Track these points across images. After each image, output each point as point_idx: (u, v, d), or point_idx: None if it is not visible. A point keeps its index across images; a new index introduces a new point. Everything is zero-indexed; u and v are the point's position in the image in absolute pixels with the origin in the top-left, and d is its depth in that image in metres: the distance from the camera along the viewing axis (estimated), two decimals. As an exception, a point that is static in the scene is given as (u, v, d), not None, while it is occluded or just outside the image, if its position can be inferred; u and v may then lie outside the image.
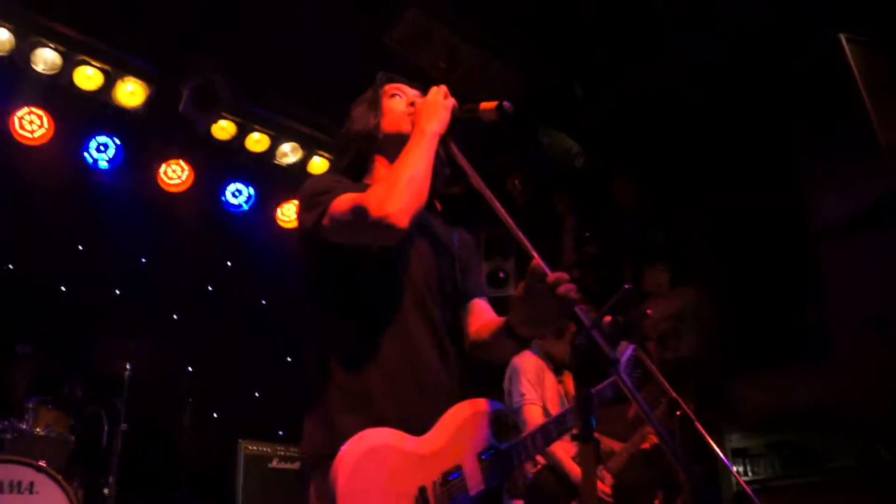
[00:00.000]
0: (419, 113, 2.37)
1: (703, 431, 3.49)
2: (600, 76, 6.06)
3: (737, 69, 5.76)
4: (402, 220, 2.15)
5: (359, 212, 2.18)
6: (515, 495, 2.36)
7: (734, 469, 5.55)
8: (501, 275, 7.00)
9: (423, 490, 2.11)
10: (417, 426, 2.21)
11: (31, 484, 4.58)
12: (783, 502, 5.55)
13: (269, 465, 5.77)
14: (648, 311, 3.72)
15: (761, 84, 5.77)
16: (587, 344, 1.60)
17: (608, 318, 1.78)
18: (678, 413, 3.92)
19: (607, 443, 4.72)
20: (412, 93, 2.58)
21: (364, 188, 2.34)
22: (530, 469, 4.55)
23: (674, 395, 3.58)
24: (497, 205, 2.12)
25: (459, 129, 2.38)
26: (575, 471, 4.39)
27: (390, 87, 2.60)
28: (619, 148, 6.57)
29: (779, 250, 6.03)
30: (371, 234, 2.23)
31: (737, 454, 5.89)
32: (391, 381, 2.26)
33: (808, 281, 5.82)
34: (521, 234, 2.02)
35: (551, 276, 1.98)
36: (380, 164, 2.53)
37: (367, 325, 2.32)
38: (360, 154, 2.56)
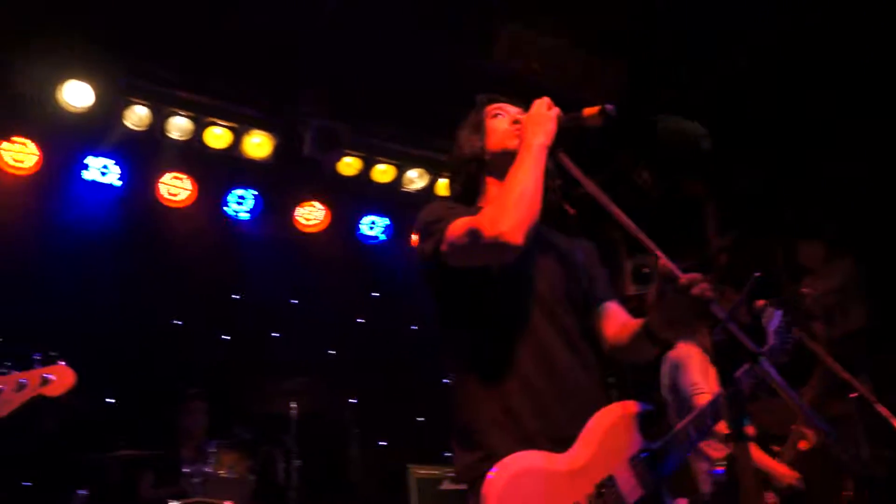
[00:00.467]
0: (524, 128, 2.37)
1: (885, 412, 3.27)
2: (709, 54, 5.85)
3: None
4: (517, 237, 2.15)
5: (473, 234, 2.20)
6: (680, 494, 2.26)
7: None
8: (645, 270, 6.83)
9: None
10: (563, 437, 2.18)
11: (234, 523, 4.88)
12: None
13: (440, 488, 5.85)
14: (804, 291, 3.52)
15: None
16: (726, 340, 1.54)
17: (761, 303, 1.71)
18: (853, 395, 3.70)
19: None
20: (514, 110, 2.59)
21: (478, 211, 2.36)
22: (704, 469, 4.38)
23: (846, 376, 3.37)
24: (614, 209, 2.10)
25: (568, 139, 2.36)
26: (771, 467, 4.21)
27: (492, 108, 2.62)
28: (741, 126, 6.28)
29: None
30: (488, 255, 2.24)
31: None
32: (531, 396, 2.24)
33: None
34: (642, 235, 1.98)
35: (683, 277, 1.93)
36: (491, 184, 2.55)
37: (500, 343, 2.31)
38: (471, 177, 2.59)
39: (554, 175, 2.45)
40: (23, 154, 5.77)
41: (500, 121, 2.57)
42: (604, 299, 2.55)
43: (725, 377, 1.57)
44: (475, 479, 2.13)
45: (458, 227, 2.27)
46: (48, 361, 2.58)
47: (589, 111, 2.30)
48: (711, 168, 6.45)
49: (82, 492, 4.94)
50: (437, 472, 5.88)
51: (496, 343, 2.32)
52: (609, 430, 2.21)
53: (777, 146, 6.27)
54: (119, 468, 5.39)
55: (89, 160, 6.05)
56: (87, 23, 5.33)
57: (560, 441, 2.17)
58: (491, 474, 2.05)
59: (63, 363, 2.58)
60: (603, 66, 5.96)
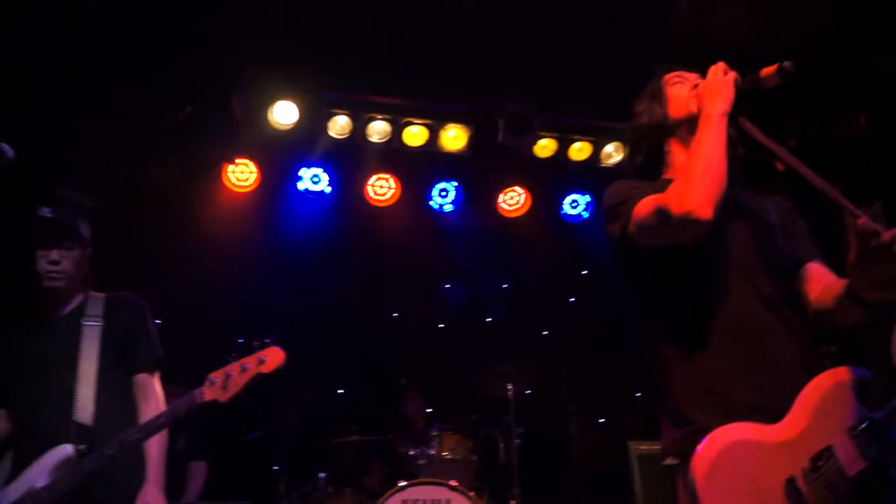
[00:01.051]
0: (702, 97, 2.35)
1: None
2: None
3: None
4: (706, 211, 2.13)
5: (661, 213, 2.20)
6: None
7: None
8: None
9: (791, 480, 1.98)
10: (772, 408, 2.10)
11: (448, 501, 5.08)
12: None
13: (663, 464, 5.73)
14: None
15: None
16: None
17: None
18: None
19: None
20: (692, 76, 2.56)
21: (662, 185, 2.33)
22: None
23: None
24: (803, 168, 2.04)
25: (746, 102, 2.32)
26: None
27: (670, 76, 2.61)
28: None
29: None
30: (678, 232, 2.22)
31: None
32: (735, 368, 2.18)
33: None
34: (836, 195, 1.90)
35: (887, 234, 1.83)
36: (676, 152, 2.53)
37: (698, 316, 2.27)
38: (654, 146, 2.58)
39: (736, 143, 2.39)
40: (245, 173, 6.41)
41: (681, 87, 2.55)
42: (804, 259, 2.44)
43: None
44: (684, 454, 2.11)
45: (644, 206, 2.28)
46: (264, 346, 2.91)
47: (766, 71, 2.26)
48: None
49: (322, 475, 5.40)
50: (658, 447, 5.78)
51: (694, 317, 2.28)
52: (824, 398, 2.08)
53: None
54: (352, 453, 5.83)
55: (301, 171, 6.59)
56: (287, 46, 5.78)
57: (769, 412, 2.09)
58: (700, 448, 2.02)
59: (275, 346, 2.92)
60: (801, 4, 5.51)
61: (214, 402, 2.86)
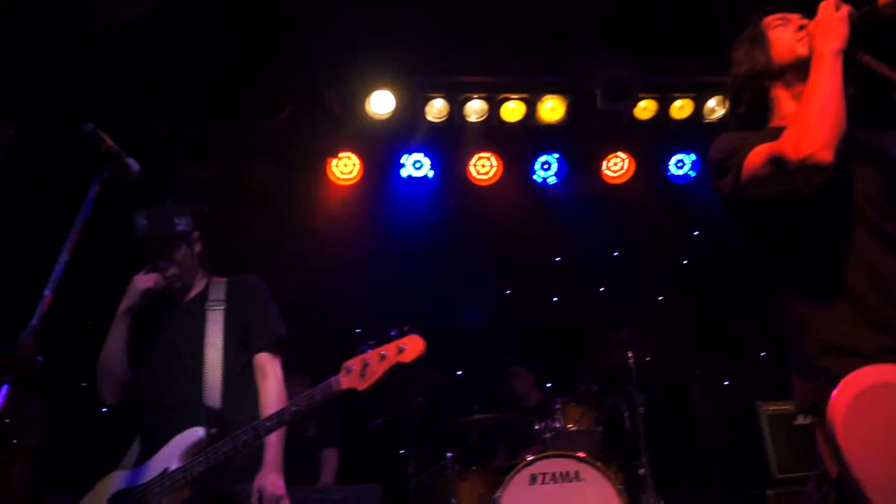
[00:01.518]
0: (813, 35, 2.26)
1: None
2: None
3: None
4: (826, 155, 2.07)
5: (777, 161, 2.14)
6: None
7: None
8: None
9: None
10: None
11: (577, 472, 5.10)
12: None
13: (794, 423, 5.57)
14: None
15: None
16: None
17: None
18: None
19: None
20: (795, 17, 2.45)
21: (770, 135, 2.26)
22: None
23: None
24: None
25: (867, 35, 2.22)
26: None
27: (772, 18, 2.50)
28: None
29: None
30: (797, 179, 2.17)
31: None
32: (865, 313, 2.12)
33: None
34: None
35: None
36: (783, 98, 2.44)
37: (823, 264, 2.22)
38: (758, 94, 2.48)
39: (848, 83, 2.25)
40: (348, 166, 6.54)
41: (783, 30, 2.45)
42: None
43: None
44: (818, 404, 2.07)
45: (756, 156, 2.21)
46: (402, 335, 2.83)
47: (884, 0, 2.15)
48: None
49: (449, 454, 5.50)
50: (788, 406, 5.62)
51: (818, 266, 2.23)
52: None
53: None
54: (477, 432, 5.90)
55: (403, 158, 6.67)
56: (377, 36, 5.84)
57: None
58: (835, 393, 1.99)
59: (414, 334, 2.82)
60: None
61: (352, 391, 2.83)
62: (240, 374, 3.26)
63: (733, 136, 2.41)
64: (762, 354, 6.80)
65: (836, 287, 2.16)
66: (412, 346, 2.80)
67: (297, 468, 4.98)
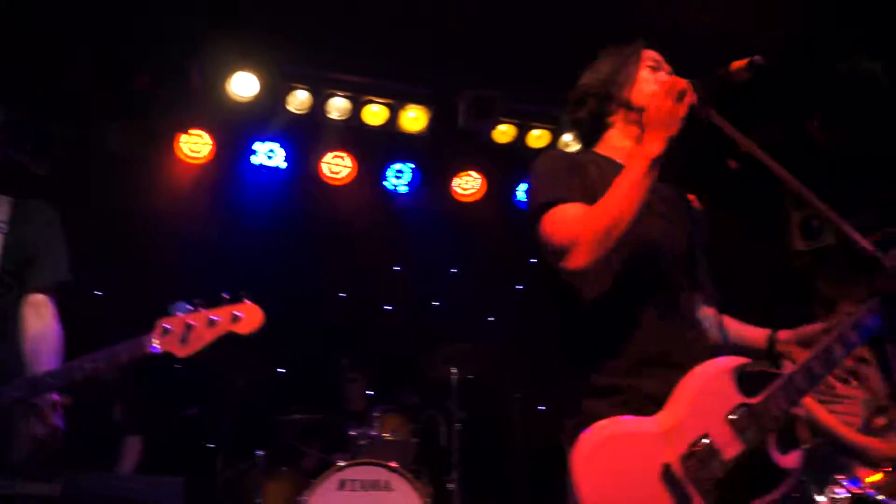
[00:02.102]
0: (647, 123, 2.20)
1: None
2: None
3: None
4: (589, 269, 2.10)
5: (553, 251, 2.15)
6: (793, 446, 2.13)
7: None
8: (815, 224, 6.28)
9: (667, 467, 2.03)
10: (657, 398, 2.14)
11: (387, 482, 5.14)
12: None
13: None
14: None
15: None
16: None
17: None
18: None
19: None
20: (664, 72, 2.45)
21: (590, 161, 2.34)
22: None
23: None
24: (773, 164, 1.99)
25: (715, 93, 2.24)
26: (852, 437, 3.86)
27: (649, 55, 2.48)
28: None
29: None
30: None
31: None
32: (626, 360, 2.20)
33: None
34: (806, 191, 1.88)
35: None
36: (619, 130, 2.46)
37: (595, 310, 2.25)
38: (599, 111, 2.48)
39: (679, 153, 2.27)
40: (199, 144, 6.28)
41: (652, 74, 2.43)
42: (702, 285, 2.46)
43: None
44: (572, 443, 2.11)
45: (552, 223, 2.19)
46: (236, 300, 2.49)
47: (737, 64, 2.19)
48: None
49: (260, 452, 5.40)
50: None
51: (591, 312, 2.26)
52: (703, 387, 2.12)
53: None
54: (292, 432, 5.82)
55: (257, 145, 6.49)
56: (250, 16, 5.67)
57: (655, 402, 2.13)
58: (581, 436, 2.06)
59: (252, 303, 2.48)
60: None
61: (168, 356, 2.44)
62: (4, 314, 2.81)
63: (562, 164, 2.39)
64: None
65: (609, 337, 2.23)
66: (251, 316, 2.48)
67: (97, 454, 4.75)
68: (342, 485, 5.09)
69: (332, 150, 6.68)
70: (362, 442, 5.59)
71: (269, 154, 6.51)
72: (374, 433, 5.64)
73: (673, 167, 2.44)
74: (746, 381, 2.14)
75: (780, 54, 5.43)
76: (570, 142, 6.85)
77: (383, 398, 6.07)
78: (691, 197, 2.56)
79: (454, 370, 5.83)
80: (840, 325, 2.15)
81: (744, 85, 2.21)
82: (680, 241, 2.37)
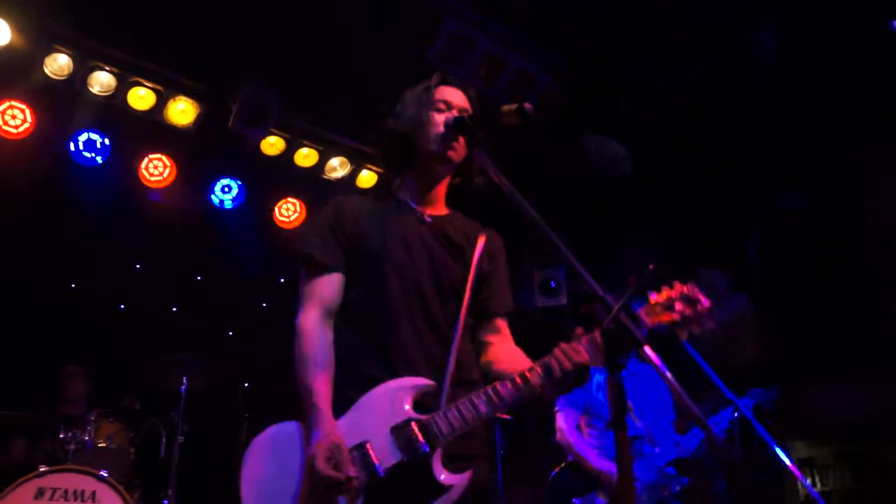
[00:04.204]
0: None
1: (769, 439, 3.35)
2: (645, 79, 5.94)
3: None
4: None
5: (296, 329, 2.51)
6: (469, 461, 2.33)
7: (804, 479, 5.31)
8: (553, 284, 6.80)
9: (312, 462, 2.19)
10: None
11: (94, 493, 4.69)
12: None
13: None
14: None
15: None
16: (616, 329, 1.54)
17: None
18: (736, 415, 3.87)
19: None
20: (459, 103, 2.55)
21: (401, 182, 2.59)
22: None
23: (734, 401, 3.45)
24: (533, 213, 2.06)
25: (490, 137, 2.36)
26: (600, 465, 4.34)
27: (442, 94, 2.56)
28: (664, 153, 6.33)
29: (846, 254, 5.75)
30: None
31: (803, 464, 5.68)
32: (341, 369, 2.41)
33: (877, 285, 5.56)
34: (560, 244, 2.01)
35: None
36: (415, 171, 2.60)
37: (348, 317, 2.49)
38: (395, 158, 2.63)
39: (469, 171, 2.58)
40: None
41: (438, 117, 2.51)
42: (495, 313, 2.68)
43: (612, 365, 1.57)
44: None
45: (302, 293, 2.54)
46: None
47: (507, 108, 2.29)
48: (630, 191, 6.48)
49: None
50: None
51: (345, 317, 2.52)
52: (377, 399, 2.32)
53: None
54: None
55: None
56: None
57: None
58: (253, 441, 2.41)
59: None
60: (542, 77, 5.92)
61: None
62: None
63: (325, 227, 2.54)
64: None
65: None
66: None
67: None
68: (41, 493, 4.59)
69: (84, 129, 6.03)
70: (72, 447, 5.08)
71: (10, 116, 5.72)
72: (86, 438, 5.15)
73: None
74: (426, 398, 2.32)
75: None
76: (336, 166, 6.85)
77: (102, 401, 5.54)
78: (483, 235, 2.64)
79: (184, 380, 5.47)
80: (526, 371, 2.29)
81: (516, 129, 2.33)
82: (447, 272, 2.50)
